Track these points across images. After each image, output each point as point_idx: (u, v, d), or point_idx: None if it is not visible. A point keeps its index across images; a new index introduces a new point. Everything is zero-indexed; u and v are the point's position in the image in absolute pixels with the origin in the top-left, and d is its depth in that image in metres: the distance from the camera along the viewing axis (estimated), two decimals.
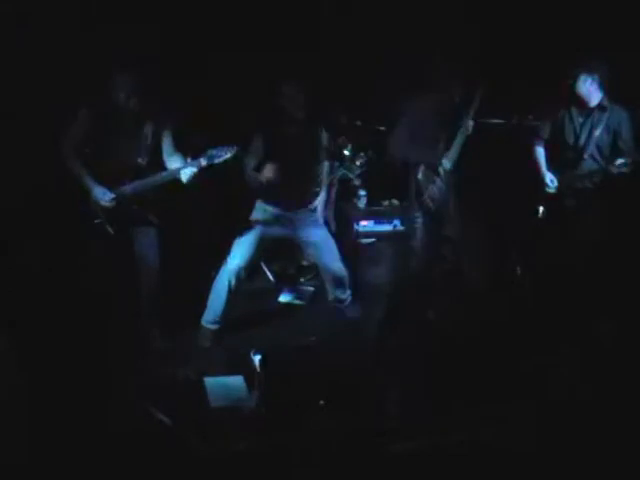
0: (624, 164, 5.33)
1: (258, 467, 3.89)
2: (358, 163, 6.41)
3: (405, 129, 5.43)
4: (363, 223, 6.41)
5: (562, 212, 5.57)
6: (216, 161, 4.89)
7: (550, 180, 5.57)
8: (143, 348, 5.11)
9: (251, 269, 5.48)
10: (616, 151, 5.48)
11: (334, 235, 5.72)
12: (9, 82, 5.36)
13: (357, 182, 6.44)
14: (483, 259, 5.96)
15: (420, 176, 5.47)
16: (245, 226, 5.35)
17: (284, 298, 6.07)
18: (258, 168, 5.23)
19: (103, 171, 4.95)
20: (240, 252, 5.27)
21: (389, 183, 6.39)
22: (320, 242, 5.45)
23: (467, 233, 5.64)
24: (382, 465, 3.96)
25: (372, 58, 6.29)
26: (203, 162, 4.89)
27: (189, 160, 4.93)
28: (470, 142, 5.47)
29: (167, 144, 5.07)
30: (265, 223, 5.35)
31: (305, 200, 5.44)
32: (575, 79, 5.40)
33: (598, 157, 5.53)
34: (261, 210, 5.38)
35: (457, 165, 5.46)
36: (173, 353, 5.16)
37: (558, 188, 5.57)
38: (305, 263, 6.25)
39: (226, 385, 4.73)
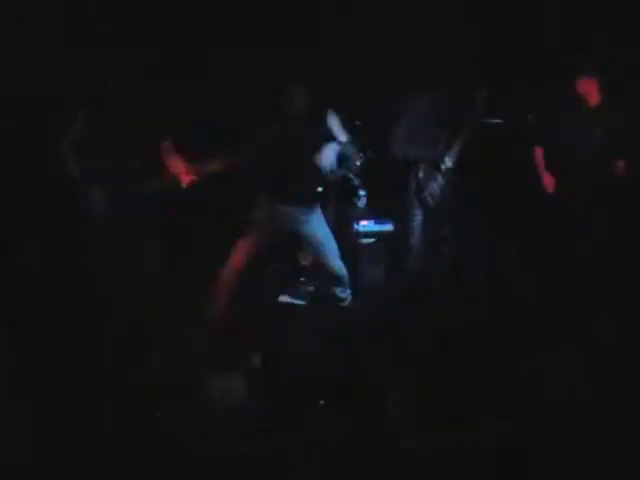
0: (624, 165, 5.33)
1: (258, 467, 3.89)
2: (358, 163, 6.40)
3: (406, 128, 5.44)
4: (363, 223, 6.41)
5: (562, 213, 5.57)
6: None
7: (549, 181, 5.58)
8: (143, 348, 5.11)
9: (251, 267, 5.49)
10: (616, 152, 5.48)
11: (334, 235, 5.73)
12: (9, 82, 5.36)
13: (357, 182, 6.44)
14: (483, 259, 5.97)
15: (421, 174, 5.48)
16: (248, 222, 5.36)
17: (284, 298, 6.07)
18: (259, 165, 5.24)
19: (103, 170, 4.95)
20: (243, 248, 5.28)
21: (389, 183, 6.39)
22: (320, 239, 5.45)
23: (467, 232, 5.64)
24: (382, 465, 3.95)
25: (372, 58, 6.29)
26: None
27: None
28: (471, 142, 5.47)
29: (167, 148, 5.08)
30: (265, 220, 5.35)
31: (307, 197, 5.45)
32: (576, 79, 5.40)
33: (598, 158, 5.52)
34: (262, 207, 5.39)
35: (458, 164, 5.47)
36: (172, 352, 5.15)
37: (558, 189, 5.57)
38: (305, 263, 6.25)
39: (226, 385, 4.73)
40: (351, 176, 6.40)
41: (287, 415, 4.28)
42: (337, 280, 5.56)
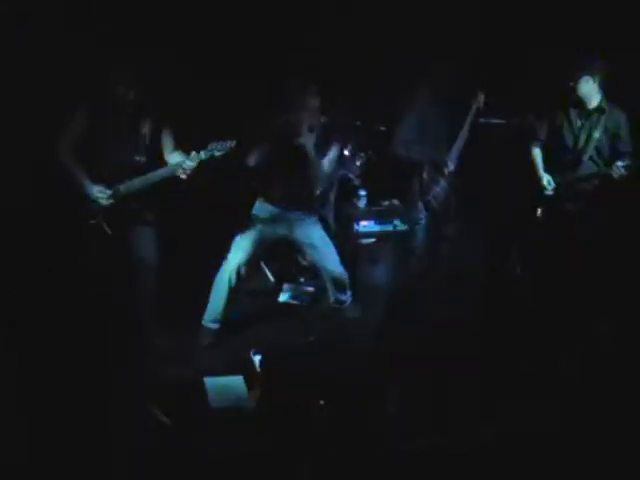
0: (623, 166, 5.32)
1: (258, 467, 3.89)
2: (358, 163, 6.41)
3: (410, 129, 5.44)
4: (363, 223, 6.41)
5: (562, 214, 5.57)
6: (216, 154, 4.88)
7: (547, 182, 5.57)
8: (143, 348, 5.11)
9: (251, 267, 5.48)
10: (615, 153, 5.48)
11: (334, 235, 5.72)
12: (9, 82, 5.36)
13: (357, 182, 6.45)
14: (483, 259, 5.98)
15: (425, 176, 5.49)
16: (244, 224, 5.36)
17: (284, 298, 6.07)
18: (257, 168, 5.23)
19: (101, 170, 4.95)
20: (240, 249, 5.28)
21: (389, 183, 6.39)
22: (318, 244, 5.44)
23: (467, 233, 5.65)
24: (382, 465, 3.95)
25: (372, 58, 6.29)
26: (203, 155, 4.88)
27: (192, 154, 4.92)
28: (471, 142, 5.48)
29: (167, 142, 5.06)
30: (264, 222, 5.35)
31: (304, 200, 5.44)
32: (576, 80, 5.39)
33: (597, 159, 5.52)
34: (260, 209, 5.38)
35: (459, 166, 5.48)
36: (173, 353, 5.16)
37: (558, 190, 5.56)
38: (305, 263, 6.25)
39: (226, 385, 4.73)
40: (351, 176, 6.41)
41: (287, 415, 4.28)
42: (337, 283, 5.55)
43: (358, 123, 6.44)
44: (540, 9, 6.11)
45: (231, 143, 4.90)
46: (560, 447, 4.03)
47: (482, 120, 5.73)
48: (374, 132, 6.40)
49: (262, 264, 6.20)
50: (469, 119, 5.52)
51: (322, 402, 4.40)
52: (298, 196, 5.36)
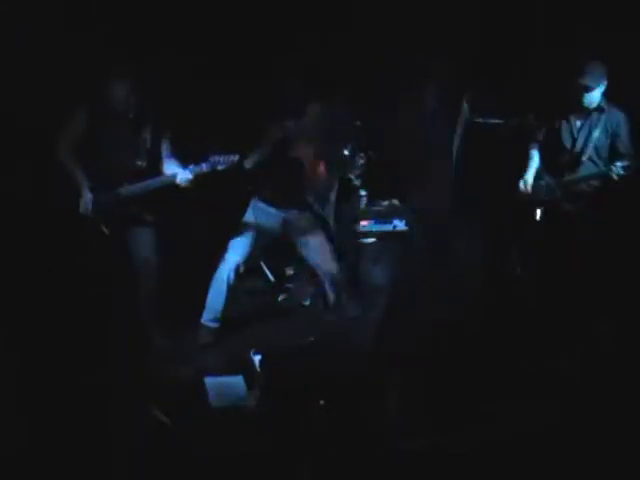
0: (623, 167, 5.32)
1: (258, 467, 3.89)
2: (358, 163, 6.40)
3: (409, 128, 5.45)
4: (363, 223, 6.40)
5: (561, 215, 5.57)
6: (219, 168, 4.92)
7: (523, 183, 5.54)
8: (143, 348, 5.11)
9: (249, 266, 5.49)
10: (614, 154, 5.47)
11: (334, 235, 5.72)
12: (9, 82, 5.36)
13: (357, 182, 6.44)
14: (483, 259, 5.97)
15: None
16: (242, 223, 5.36)
17: (284, 297, 6.07)
18: (256, 168, 5.24)
19: (101, 172, 4.95)
20: (237, 248, 5.31)
21: (389, 183, 6.39)
22: (313, 243, 5.45)
23: (467, 233, 5.65)
24: (382, 465, 3.95)
25: (372, 58, 6.29)
26: (205, 168, 4.92)
27: (191, 167, 4.95)
28: (469, 142, 5.48)
29: (164, 149, 5.08)
30: (260, 221, 5.36)
31: (299, 200, 5.44)
32: (576, 80, 5.39)
33: (597, 160, 5.52)
34: (256, 208, 5.39)
35: (458, 165, 5.48)
36: (173, 353, 5.16)
37: (557, 191, 5.56)
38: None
39: (226, 385, 4.73)
40: (351, 176, 6.40)
41: (287, 415, 4.28)
42: (331, 282, 5.55)
43: (358, 123, 6.45)
44: (540, 9, 6.11)
45: (234, 157, 4.93)
46: (560, 447, 4.03)
47: (481, 120, 5.73)
48: (374, 132, 6.40)
49: (262, 264, 6.20)
50: (459, 131, 5.52)
51: (322, 402, 4.40)
52: (293, 195, 5.37)
